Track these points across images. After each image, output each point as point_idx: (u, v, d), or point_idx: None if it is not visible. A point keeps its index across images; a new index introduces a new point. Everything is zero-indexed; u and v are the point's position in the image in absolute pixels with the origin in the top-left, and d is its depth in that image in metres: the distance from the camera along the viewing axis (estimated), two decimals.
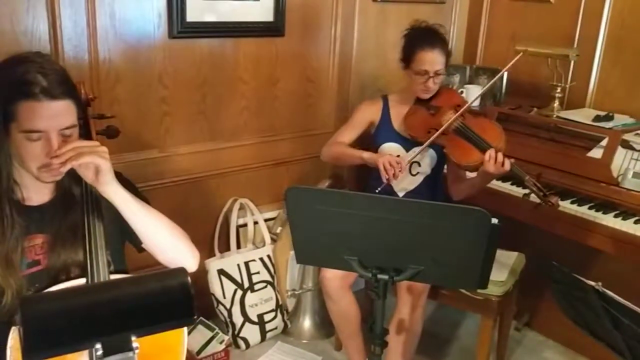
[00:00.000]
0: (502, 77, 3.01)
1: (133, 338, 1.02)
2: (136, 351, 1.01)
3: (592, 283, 1.39)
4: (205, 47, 2.48)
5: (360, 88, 2.98)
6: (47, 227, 1.45)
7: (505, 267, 2.35)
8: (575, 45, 2.83)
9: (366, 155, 2.26)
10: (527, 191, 2.09)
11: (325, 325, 2.73)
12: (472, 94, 2.98)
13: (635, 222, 2.16)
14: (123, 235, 1.52)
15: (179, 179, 2.56)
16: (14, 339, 1.29)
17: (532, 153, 2.56)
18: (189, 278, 1.10)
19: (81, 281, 1.38)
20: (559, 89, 2.75)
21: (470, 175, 2.31)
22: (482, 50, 3.29)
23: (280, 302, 2.75)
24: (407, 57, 2.28)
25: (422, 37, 2.26)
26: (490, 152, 2.05)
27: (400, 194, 2.41)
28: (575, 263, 2.51)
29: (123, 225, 1.46)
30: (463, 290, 2.26)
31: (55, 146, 1.33)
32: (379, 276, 1.62)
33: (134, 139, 2.37)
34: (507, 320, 2.56)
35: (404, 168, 2.17)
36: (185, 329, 1.46)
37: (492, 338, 2.35)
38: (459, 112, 2.19)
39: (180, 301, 1.09)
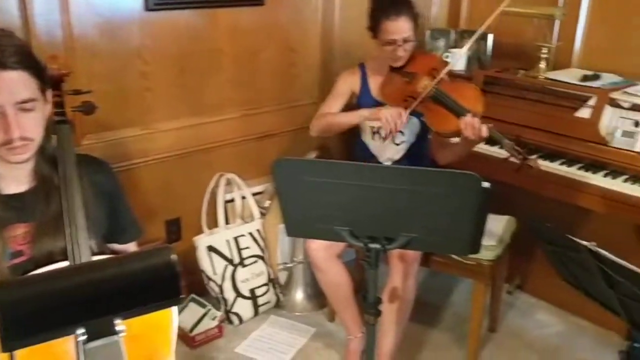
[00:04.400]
0: (486, 40, 2.97)
1: (118, 321, 0.98)
2: (122, 334, 0.98)
3: (586, 243, 1.38)
4: (183, 19, 2.41)
5: (344, 56, 2.92)
6: (28, 216, 1.39)
7: (496, 231, 2.34)
8: (561, 4, 2.78)
9: (366, 112, 2.24)
10: (507, 155, 2.06)
11: (318, 297, 2.73)
12: (457, 57, 2.94)
13: (625, 181, 2.16)
14: (109, 231, 1.50)
15: (163, 156, 2.51)
16: None
17: (519, 115, 2.53)
18: (174, 256, 1.06)
19: (63, 264, 1.34)
20: (545, 50, 2.71)
21: (455, 140, 2.29)
22: (466, 12, 3.23)
23: (272, 276, 2.73)
24: (374, 27, 2.23)
25: (386, 5, 2.19)
26: (466, 120, 2.00)
27: (386, 164, 2.38)
28: (565, 224, 2.52)
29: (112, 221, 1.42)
30: (455, 256, 2.25)
31: (12, 122, 1.26)
32: (371, 245, 1.61)
33: (114, 117, 2.31)
34: (499, 284, 2.56)
35: (404, 119, 2.12)
36: (175, 307, 1.43)
37: (484, 302, 2.36)
38: (435, 81, 2.13)
39: (166, 280, 1.04)
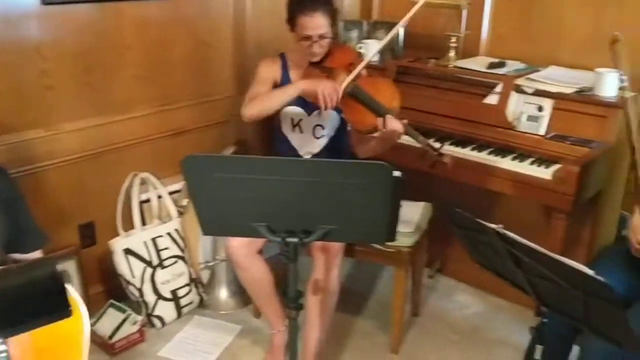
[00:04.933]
0: (397, 31, 3.01)
1: None
2: (3, 354, 0.90)
3: (494, 226, 1.43)
4: (85, 13, 2.30)
5: (258, 49, 2.88)
6: None
7: (413, 217, 2.39)
8: None
9: (303, 84, 2.13)
10: (423, 150, 2.07)
11: (243, 294, 2.69)
12: (371, 49, 2.96)
13: (531, 163, 2.25)
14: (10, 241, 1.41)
15: (71, 157, 2.39)
16: None
17: (432, 104, 2.60)
18: (57, 267, 0.98)
19: None
20: (454, 39, 2.78)
21: (373, 135, 2.30)
22: (378, 4, 3.27)
23: (194, 276, 2.67)
24: (290, 21, 2.20)
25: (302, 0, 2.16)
26: (384, 119, 2.00)
27: (306, 157, 2.38)
28: (479, 208, 2.61)
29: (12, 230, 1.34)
30: (375, 245, 2.28)
31: None
32: (288, 240, 1.60)
33: (13, 118, 2.18)
34: (419, 269, 2.62)
35: (340, 95, 2.06)
36: (84, 314, 1.36)
37: (406, 288, 2.41)
38: (350, 77, 2.11)
39: (51, 294, 0.97)
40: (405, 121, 2.03)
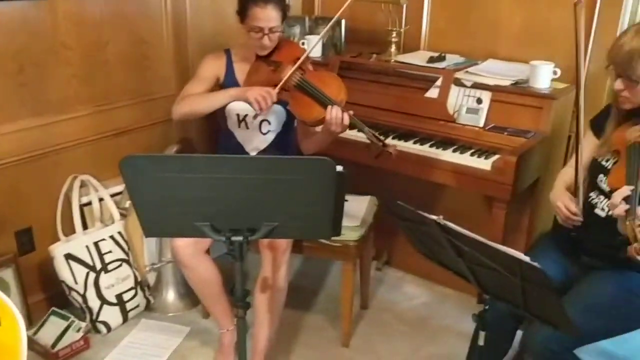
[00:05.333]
0: (340, 26, 3.04)
1: None
2: None
3: (434, 217, 1.45)
4: (16, 11, 2.21)
5: (200, 46, 2.84)
6: None
7: (359, 211, 2.42)
8: None
9: (233, 91, 2.17)
10: (368, 141, 2.11)
11: (191, 295, 2.65)
12: (313, 44, 2.97)
13: (471, 155, 2.31)
14: None
15: (6, 161, 2.30)
16: None
17: (374, 98, 2.63)
18: None
19: None
20: (394, 34, 2.82)
21: (318, 128, 2.32)
22: (320, 0, 3.28)
23: (140, 279, 2.62)
24: (241, 12, 2.19)
25: None
26: (330, 109, 2.03)
27: (252, 154, 2.37)
28: (424, 200, 2.67)
29: None
30: (323, 240, 2.29)
31: None
32: (233, 238, 1.59)
33: None
34: (366, 262, 2.65)
35: (274, 97, 2.10)
36: (20, 324, 1.32)
37: (354, 281, 2.42)
38: (295, 66, 2.14)
39: None
40: (351, 112, 2.06)
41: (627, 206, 1.51)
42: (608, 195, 1.75)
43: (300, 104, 2.16)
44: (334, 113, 2.03)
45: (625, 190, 1.54)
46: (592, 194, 1.84)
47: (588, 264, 1.84)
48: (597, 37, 2.48)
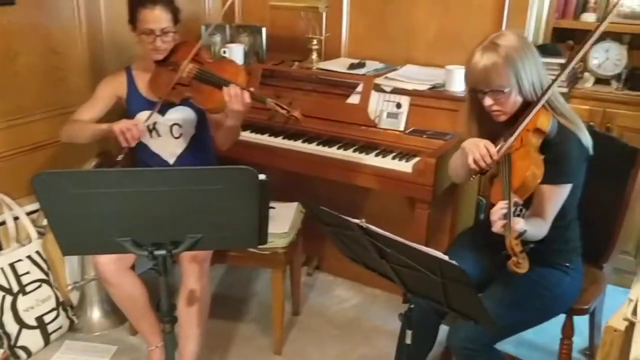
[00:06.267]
0: (261, 34, 3.05)
1: None
2: None
3: (357, 221, 1.48)
4: None
5: (117, 55, 2.77)
6: None
7: (286, 218, 2.42)
8: None
9: (104, 125, 2.20)
10: (273, 113, 2.14)
11: (117, 313, 2.57)
12: (235, 52, 2.97)
13: (393, 158, 2.37)
14: None
15: None
16: None
17: (298, 105, 2.63)
18: None
19: None
20: (315, 42, 2.86)
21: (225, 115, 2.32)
22: (239, 8, 3.27)
23: (62, 299, 2.51)
24: (132, 19, 2.19)
25: None
26: (229, 90, 2.05)
27: (171, 160, 2.35)
28: (351, 203, 2.71)
29: None
30: (251, 249, 2.28)
31: None
32: (156, 252, 1.56)
33: None
34: (297, 268, 2.66)
35: (141, 130, 2.13)
36: None
37: (284, 288, 2.43)
38: (189, 57, 2.16)
39: None
40: (251, 89, 2.09)
41: (504, 221, 1.55)
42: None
43: (201, 94, 2.18)
44: (233, 91, 2.05)
45: (501, 205, 1.58)
46: None
47: (504, 262, 1.92)
48: None
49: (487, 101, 1.76)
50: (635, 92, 2.76)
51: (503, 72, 1.69)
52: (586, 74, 2.89)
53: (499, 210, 1.58)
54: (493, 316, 1.44)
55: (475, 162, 1.71)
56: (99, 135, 2.23)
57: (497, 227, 1.58)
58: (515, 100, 1.75)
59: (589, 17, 2.84)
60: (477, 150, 1.71)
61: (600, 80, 2.88)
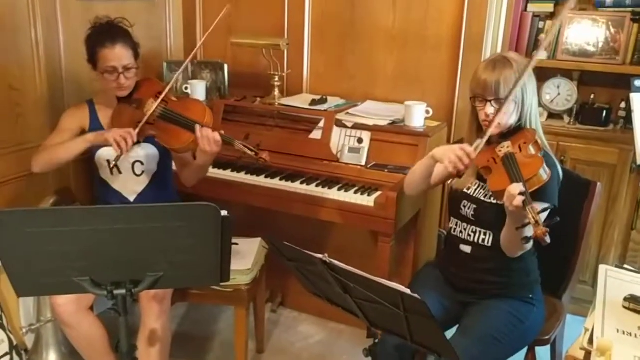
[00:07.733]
0: (223, 70, 3.07)
1: None
2: None
3: (319, 255, 1.48)
4: None
5: (78, 91, 2.74)
6: None
7: (249, 254, 2.40)
8: (285, 35, 3.00)
9: (91, 136, 2.16)
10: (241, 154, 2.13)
11: (74, 355, 2.47)
12: (197, 88, 2.98)
13: (355, 192, 2.39)
14: None
15: None
16: None
17: (260, 141, 2.64)
18: None
19: None
20: (277, 78, 2.89)
21: (191, 156, 2.31)
22: (201, 45, 3.29)
23: (16, 343, 2.41)
24: (92, 58, 2.18)
25: (100, 34, 2.17)
26: (198, 131, 2.05)
27: (132, 198, 2.31)
28: (315, 238, 2.71)
29: None
30: (214, 286, 2.25)
31: None
32: (115, 292, 1.53)
33: None
34: (260, 305, 2.63)
35: (134, 136, 2.09)
36: None
37: (247, 326, 2.39)
38: (159, 100, 2.16)
39: None
40: (221, 131, 2.09)
41: (523, 197, 1.56)
42: (472, 221, 1.88)
43: (167, 134, 2.16)
44: (204, 132, 2.05)
45: (519, 185, 1.60)
46: (453, 224, 1.95)
47: (462, 300, 1.94)
48: (463, 77, 2.69)
49: (489, 109, 1.80)
50: (586, 126, 2.87)
51: (513, 83, 1.75)
52: (540, 109, 2.99)
53: (516, 188, 1.57)
54: (474, 353, 1.44)
55: (453, 165, 1.75)
56: (83, 149, 2.16)
57: (517, 201, 1.55)
58: (512, 116, 1.81)
59: (540, 55, 2.95)
60: (453, 153, 1.76)
61: (552, 115, 2.99)
